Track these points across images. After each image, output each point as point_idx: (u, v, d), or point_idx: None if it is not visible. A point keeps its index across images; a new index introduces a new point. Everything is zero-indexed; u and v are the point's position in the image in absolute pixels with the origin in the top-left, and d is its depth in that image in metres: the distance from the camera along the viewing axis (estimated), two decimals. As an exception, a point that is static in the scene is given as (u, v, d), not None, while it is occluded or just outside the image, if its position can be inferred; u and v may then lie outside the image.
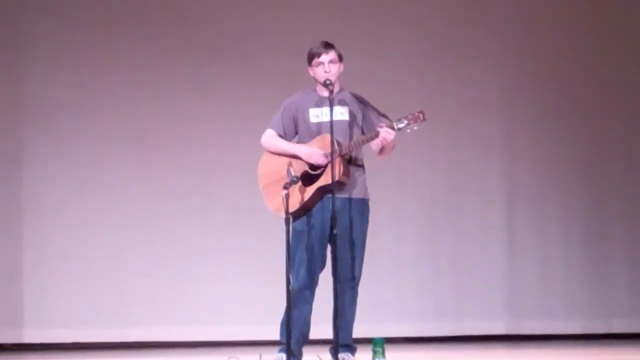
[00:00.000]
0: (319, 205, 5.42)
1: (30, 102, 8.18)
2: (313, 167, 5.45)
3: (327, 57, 5.47)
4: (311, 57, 5.49)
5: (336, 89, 5.46)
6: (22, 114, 8.18)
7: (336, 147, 5.30)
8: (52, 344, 8.00)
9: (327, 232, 5.40)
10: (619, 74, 8.64)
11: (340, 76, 5.53)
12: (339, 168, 5.29)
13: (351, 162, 5.43)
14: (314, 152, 5.41)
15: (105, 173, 8.17)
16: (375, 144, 5.42)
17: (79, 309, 8.04)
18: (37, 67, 8.19)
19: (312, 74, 5.53)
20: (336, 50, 5.49)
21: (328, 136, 5.33)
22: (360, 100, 5.54)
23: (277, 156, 5.54)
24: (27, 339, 8.05)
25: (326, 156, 5.35)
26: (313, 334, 5.55)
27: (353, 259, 5.39)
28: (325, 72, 5.44)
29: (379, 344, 5.31)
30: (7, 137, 8.17)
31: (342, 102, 5.48)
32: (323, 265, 5.47)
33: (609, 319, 8.51)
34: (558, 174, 8.58)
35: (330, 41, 5.53)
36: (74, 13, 8.24)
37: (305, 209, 5.40)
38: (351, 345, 5.51)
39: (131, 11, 8.29)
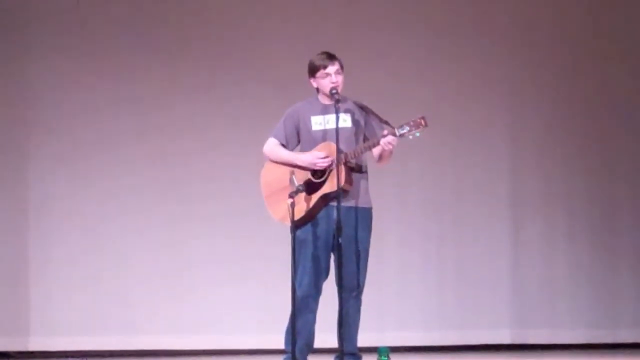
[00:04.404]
0: (323, 213, 5.43)
1: (38, 108, 8.19)
2: (316, 175, 5.47)
3: (333, 68, 5.49)
4: (316, 68, 5.51)
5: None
6: (29, 120, 8.20)
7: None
8: (58, 352, 8.00)
9: (331, 241, 5.42)
10: (626, 78, 8.61)
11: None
12: (341, 176, 5.30)
13: (354, 169, 5.45)
14: (314, 157, 5.42)
15: (111, 181, 8.18)
16: (376, 151, 5.45)
17: (84, 317, 8.04)
18: (42, 72, 8.19)
19: (315, 85, 5.55)
20: (339, 60, 5.52)
21: (331, 144, 5.36)
22: (362, 108, 5.56)
23: (279, 165, 5.56)
24: (32, 347, 8.06)
25: (326, 157, 5.37)
26: (318, 343, 5.56)
27: (357, 267, 5.40)
28: (333, 82, 5.46)
29: (383, 352, 5.32)
30: (13, 144, 8.19)
31: (344, 110, 5.50)
32: (327, 274, 5.48)
33: (615, 328, 8.48)
34: (564, 183, 8.56)
35: (332, 47, 5.57)
36: (80, 19, 8.25)
37: (309, 217, 5.41)
38: (356, 354, 5.51)
39: (135, 17, 8.30)
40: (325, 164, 5.41)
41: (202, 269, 8.16)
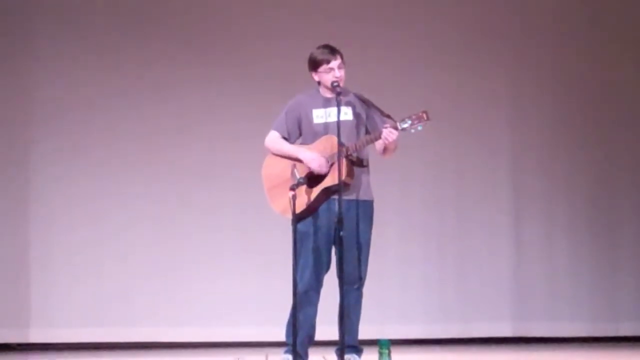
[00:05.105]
0: (324, 206, 5.42)
1: (38, 104, 8.18)
2: (317, 167, 5.47)
3: (336, 62, 5.48)
4: (318, 63, 5.49)
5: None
6: (30, 116, 8.18)
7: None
8: (58, 343, 8.01)
9: (332, 234, 5.41)
10: (627, 75, 8.62)
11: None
12: (343, 169, 5.28)
13: (355, 163, 5.43)
14: (315, 158, 5.41)
15: (112, 174, 8.17)
16: (379, 144, 5.43)
17: (85, 309, 8.04)
18: (44, 69, 8.18)
19: (317, 78, 5.54)
20: (341, 54, 5.50)
21: (333, 137, 5.35)
22: (363, 101, 5.55)
23: (280, 158, 5.55)
24: (33, 339, 8.06)
25: (327, 165, 5.36)
26: (319, 335, 5.56)
27: (358, 260, 5.40)
28: (336, 77, 5.45)
29: (384, 345, 5.30)
30: (14, 139, 8.18)
31: (346, 103, 5.49)
32: (328, 267, 5.48)
33: (616, 322, 8.48)
34: (565, 176, 8.56)
35: (336, 43, 5.54)
36: (80, 16, 8.24)
37: (311, 210, 5.41)
38: (357, 347, 5.52)
39: (137, 14, 8.29)
40: (322, 170, 5.39)
41: (202, 261, 8.15)
